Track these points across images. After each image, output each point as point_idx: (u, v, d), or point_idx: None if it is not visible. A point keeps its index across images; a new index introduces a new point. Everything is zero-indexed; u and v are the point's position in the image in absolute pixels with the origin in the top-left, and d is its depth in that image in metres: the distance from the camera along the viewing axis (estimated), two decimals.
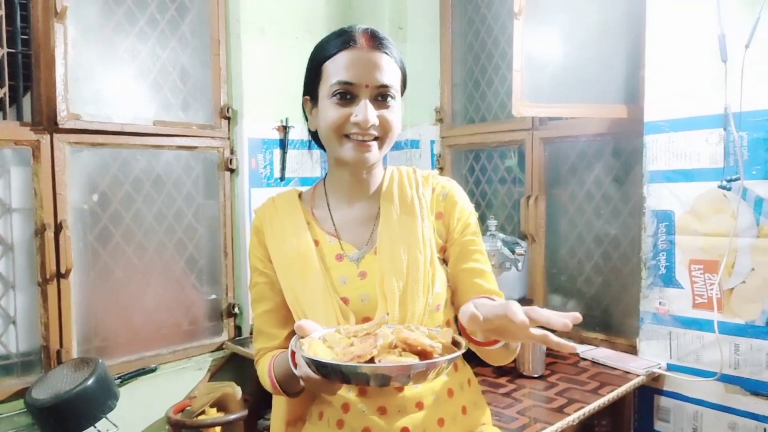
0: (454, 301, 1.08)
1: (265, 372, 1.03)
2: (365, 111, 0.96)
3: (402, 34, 2.81)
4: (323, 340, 0.86)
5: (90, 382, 1.83)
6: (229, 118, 2.48)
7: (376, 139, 1.00)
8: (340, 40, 0.99)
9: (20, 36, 1.98)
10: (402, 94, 1.06)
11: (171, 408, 2.21)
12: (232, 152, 2.49)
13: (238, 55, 2.45)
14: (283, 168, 2.55)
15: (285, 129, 2.55)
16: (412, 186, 1.10)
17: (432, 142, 2.83)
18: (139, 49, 2.24)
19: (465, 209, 1.10)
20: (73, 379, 1.86)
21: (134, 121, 2.22)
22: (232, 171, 2.49)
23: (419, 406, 0.97)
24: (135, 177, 2.25)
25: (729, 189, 1.75)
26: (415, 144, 2.84)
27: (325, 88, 1.00)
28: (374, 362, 0.76)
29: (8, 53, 1.96)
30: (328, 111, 0.99)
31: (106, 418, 1.90)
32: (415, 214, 1.06)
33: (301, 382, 0.86)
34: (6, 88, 1.95)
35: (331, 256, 1.05)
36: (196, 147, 2.40)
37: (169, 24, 2.32)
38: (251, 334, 2.50)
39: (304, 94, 1.08)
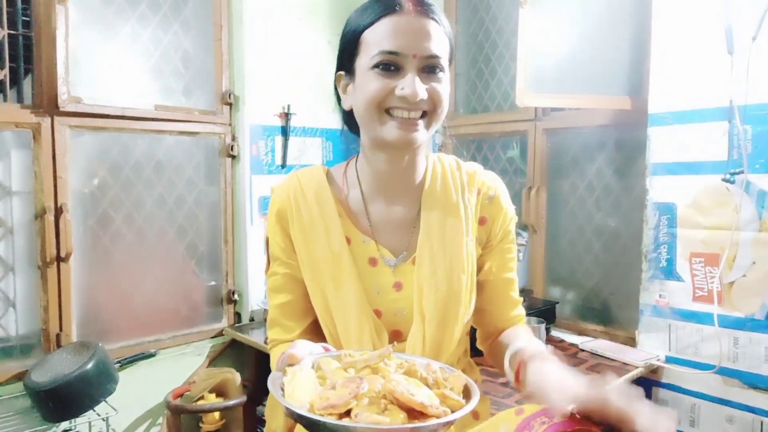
0: (482, 305, 1.03)
1: (274, 369, 0.95)
2: (413, 83, 0.84)
3: None
4: (317, 368, 0.76)
5: (89, 365, 1.83)
6: (230, 104, 2.46)
7: (423, 116, 0.88)
8: (382, 4, 0.87)
9: (21, 17, 1.97)
10: (450, 65, 0.94)
11: (170, 393, 2.22)
12: (233, 138, 2.47)
13: (241, 40, 2.43)
14: (284, 155, 2.54)
15: (287, 116, 2.53)
16: (457, 189, 0.98)
17: (435, 132, 2.82)
18: (141, 32, 2.23)
19: (508, 215, 1.02)
20: (72, 362, 1.86)
21: (135, 106, 2.20)
22: (233, 157, 2.48)
23: None
24: (136, 162, 2.24)
25: (732, 182, 1.74)
26: None
27: (365, 60, 0.88)
28: (350, 416, 0.65)
29: (9, 35, 1.94)
30: (369, 83, 0.87)
31: (106, 402, 1.91)
32: (461, 227, 0.95)
33: None
34: (6, 70, 1.94)
35: (363, 259, 0.95)
36: (197, 132, 2.39)
37: (171, 8, 2.30)
38: (251, 320, 2.50)
39: (338, 69, 0.96)
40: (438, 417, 0.65)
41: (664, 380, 1.96)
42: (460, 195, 0.98)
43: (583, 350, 2.07)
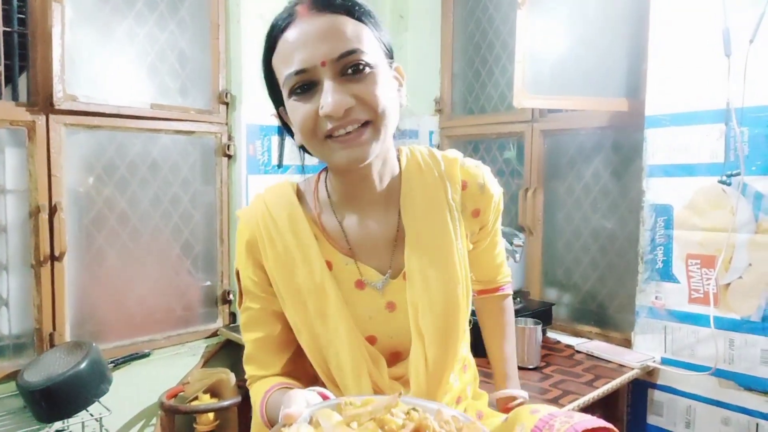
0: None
1: (257, 409, 0.88)
2: (329, 96, 0.72)
3: (403, 23, 2.79)
4: (316, 424, 0.68)
5: (83, 365, 1.82)
6: (227, 104, 2.45)
7: (366, 124, 0.76)
8: (277, 19, 0.77)
9: (17, 15, 1.95)
10: (391, 57, 0.83)
11: (164, 393, 2.20)
12: (230, 138, 2.47)
13: (238, 40, 2.42)
14: (281, 155, 2.53)
15: None
16: (438, 188, 0.90)
17: (431, 132, 2.82)
18: (137, 31, 2.22)
19: (495, 197, 0.95)
20: (66, 362, 1.85)
21: (131, 104, 2.19)
22: (229, 157, 2.47)
23: None
24: (131, 160, 2.23)
25: (729, 184, 1.75)
26: (413, 134, 2.82)
27: (285, 90, 0.78)
28: None
29: (4, 32, 1.93)
30: (294, 115, 0.77)
31: (99, 402, 1.89)
32: (448, 231, 0.88)
33: None
34: (1, 68, 1.92)
35: (349, 283, 0.87)
36: (193, 132, 2.38)
37: (168, 7, 2.29)
38: None
39: (276, 107, 0.87)
40: None
41: (659, 382, 1.96)
42: (443, 194, 0.89)
43: (579, 352, 2.07)
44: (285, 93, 0.78)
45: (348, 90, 0.74)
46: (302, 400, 0.69)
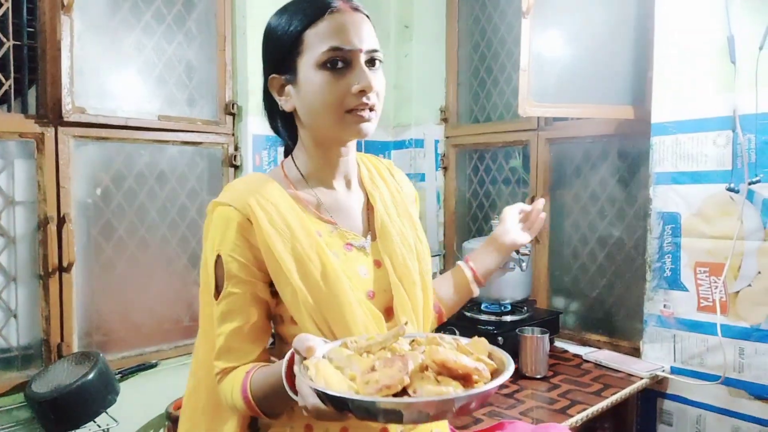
0: None
1: (238, 390, 0.88)
2: (367, 76, 0.89)
3: (408, 32, 2.80)
4: (329, 360, 0.73)
5: (91, 376, 1.82)
6: (234, 114, 2.47)
7: (372, 108, 0.92)
8: (316, 6, 0.90)
9: (26, 28, 1.98)
10: None
11: (171, 404, 2.20)
12: (236, 148, 2.48)
13: (244, 51, 2.44)
14: None
15: None
16: (384, 173, 1.10)
17: (436, 141, 2.82)
18: (145, 43, 2.24)
19: (412, 193, 1.16)
20: (73, 373, 1.85)
21: (139, 116, 2.21)
22: (236, 167, 2.48)
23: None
24: (139, 171, 2.24)
25: (738, 191, 1.74)
26: (419, 143, 2.83)
27: (311, 59, 0.89)
28: (407, 394, 0.63)
29: (14, 45, 1.95)
30: (323, 85, 0.89)
31: (107, 413, 1.90)
32: (404, 200, 1.07)
33: (302, 411, 0.73)
34: (11, 81, 1.95)
35: (339, 247, 0.95)
36: (200, 143, 2.39)
37: (175, 19, 2.32)
38: None
39: (269, 72, 0.96)
40: (486, 380, 0.67)
41: (669, 391, 1.95)
42: (389, 175, 1.10)
43: (587, 361, 2.06)
44: (313, 61, 0.89)
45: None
46: (315, 337, 0.76)
